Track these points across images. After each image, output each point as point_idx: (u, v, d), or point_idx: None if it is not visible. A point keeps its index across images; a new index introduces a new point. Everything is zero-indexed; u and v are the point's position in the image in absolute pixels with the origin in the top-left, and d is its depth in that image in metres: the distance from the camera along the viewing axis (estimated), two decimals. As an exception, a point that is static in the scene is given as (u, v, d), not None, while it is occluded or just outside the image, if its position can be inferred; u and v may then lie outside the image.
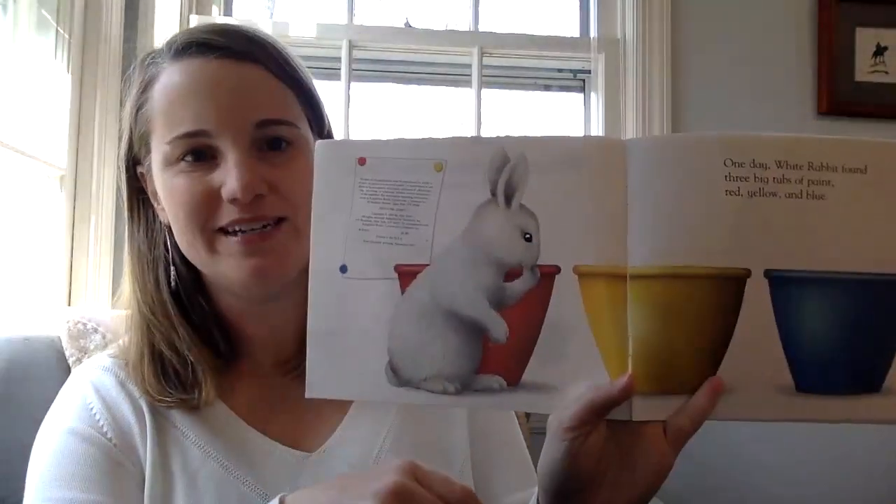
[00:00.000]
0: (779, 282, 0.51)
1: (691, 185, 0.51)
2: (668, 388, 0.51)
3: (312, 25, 1.69)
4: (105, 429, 0.65)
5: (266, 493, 0.63)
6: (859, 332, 0.51)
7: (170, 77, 0.64)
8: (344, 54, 1.68)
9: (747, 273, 0.50)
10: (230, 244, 0.64)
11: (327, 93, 1.85)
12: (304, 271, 0.55)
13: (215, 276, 0.67)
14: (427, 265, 0.53)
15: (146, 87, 0.66)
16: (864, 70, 1.75)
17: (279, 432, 0.67)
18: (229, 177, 0.62)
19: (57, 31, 1.47)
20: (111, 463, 0.63)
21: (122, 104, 0.72)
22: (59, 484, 0.62)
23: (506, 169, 0.52)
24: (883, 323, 0.51)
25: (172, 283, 0.68)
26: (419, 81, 1.92)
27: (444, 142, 0.54)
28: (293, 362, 0.68)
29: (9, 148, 1.24)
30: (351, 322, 0.54)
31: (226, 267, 0.65)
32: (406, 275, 0.53)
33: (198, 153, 0.63)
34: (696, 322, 0.51)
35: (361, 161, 0.55)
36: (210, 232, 0.64)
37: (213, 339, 0.68)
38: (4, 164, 1.23)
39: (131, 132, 0.68)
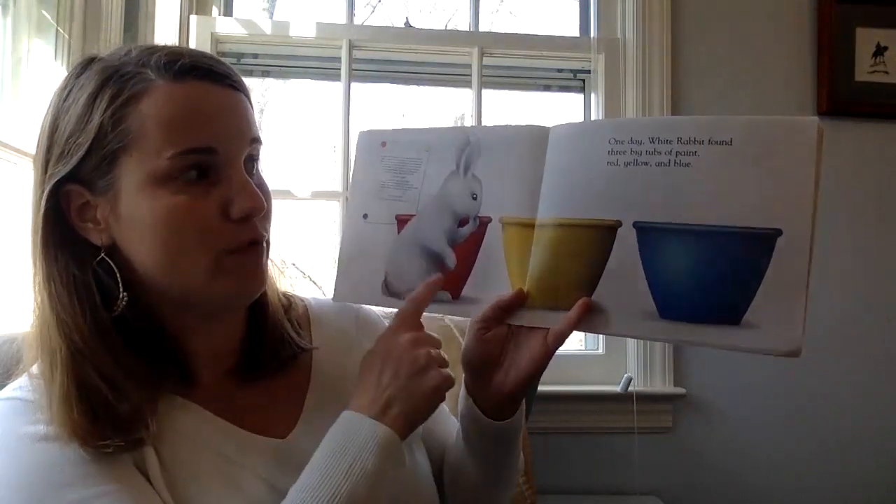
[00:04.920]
0: (643, 231, 0.63)
1: (583, 160, 0.66)
2: (552, 305, 0.67)
3: (312, 25, 1.69)
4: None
5: (255, 475, 0.65)
6: (712, 273, 0.61)
7: (171, 94, 0.63)
8: (344, 54, 1.68)
9: (618, 224, 0.64)
10: (237, 262, 0.66)
11: (327, 93, 1.85)
12: None
13: (194, 296, 0.66)
14: (414, 215, 0.74)
15: (127, 102, 0.62)
16: (864, 70, 1.75)
17: (250, 425, 0.69)
18: (240, 195, 0.65)
19: (57, 31, 1.46)
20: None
21: (58, 114, 0.65)
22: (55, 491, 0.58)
23: (466, 150, 0.73)
24: (735, 267, 0.60)
25: (121, 307, 0.65)
26: (419, 81, 1.92)
27: (433, 130, 0.76)
28: (238, 373, 0.72)
29: (9, 148, 1.24)
30: (365, 251, 0.76)
31: (225, 286, 0.65)
32: (402, 221, 0.75)
33: (201, 171, 0.64)
34: (576, 259, 0.66)
35: (383, 144, 0.78)
36: (218, 253, 0.64)
37: (158, 360, 0.66)
38: (4, 164, 1.23)
39: (91, 146, 0.63)
